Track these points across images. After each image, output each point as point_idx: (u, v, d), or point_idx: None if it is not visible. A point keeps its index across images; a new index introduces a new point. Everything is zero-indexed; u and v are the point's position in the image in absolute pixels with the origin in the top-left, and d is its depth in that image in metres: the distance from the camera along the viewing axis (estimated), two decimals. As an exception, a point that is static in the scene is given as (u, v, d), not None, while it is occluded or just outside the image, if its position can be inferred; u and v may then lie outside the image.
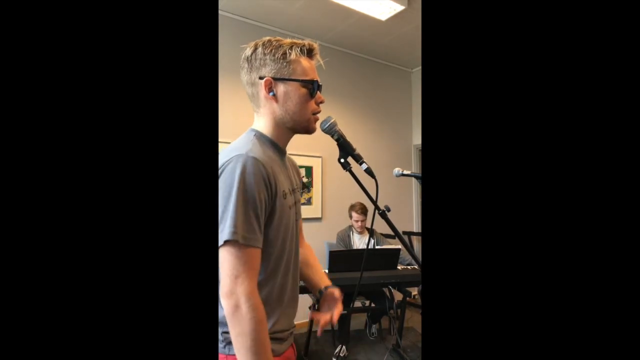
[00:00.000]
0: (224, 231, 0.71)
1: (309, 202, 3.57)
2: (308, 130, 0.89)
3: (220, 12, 3.15)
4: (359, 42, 3.75)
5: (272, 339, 0.79)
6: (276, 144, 0.87)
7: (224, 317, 0.75)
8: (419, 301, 3.93)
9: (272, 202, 0.79)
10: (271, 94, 0.83)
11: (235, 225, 0.71)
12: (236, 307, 0.70)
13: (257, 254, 0.75)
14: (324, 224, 3.64)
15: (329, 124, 0.93)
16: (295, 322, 0.93)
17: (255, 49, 0.85)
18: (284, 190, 0.83)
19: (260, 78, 0.84)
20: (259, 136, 0.85)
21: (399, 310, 2.87)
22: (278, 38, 0.86)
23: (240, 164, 0.74)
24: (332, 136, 0.94)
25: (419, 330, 3.29)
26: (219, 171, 0.76)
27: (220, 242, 0.71)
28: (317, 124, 0.92)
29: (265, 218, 0.78)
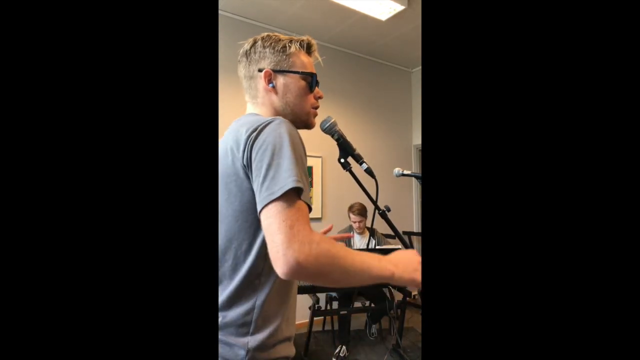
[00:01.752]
0: (281, 182, 0.63)
1: (309, 202, 3.56)
2: (307, 124, 0.88)
3: (220, 12, 3.15)
4: (359, 42, 3.75)
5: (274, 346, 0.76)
6: None
7: (230, 320, 0.71)
8: (419, 301, 3.93)
9: None
10: (270, 85, 0.83)
11: (296, 174, 0.63)
12: (305, 255, 0.58)
13: (309, 216, 0.65)
14: (324, 224, 3.64)
15: (329, 124, 0.94)
16: (295, 322, 0.93)
17: (254, 43, 0.85)
18: None
19: (259, 70, 0.83)
20: None
21: (399, 311, 2.87)
22: (276, 33, 0.87)
23: (285, 124, 0.70)
24: (332, 136, 0.94)
25: (419, 330, 3.29)
26: (252, 132, 0.69)
27: (276, 194, 0.62)
28: (317, 124, 0.92)
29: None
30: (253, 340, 0.72)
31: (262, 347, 0.72)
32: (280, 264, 0.59)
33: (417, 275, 0.72)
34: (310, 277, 0.61)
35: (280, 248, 0.59)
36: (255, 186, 0.67)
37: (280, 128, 0.69)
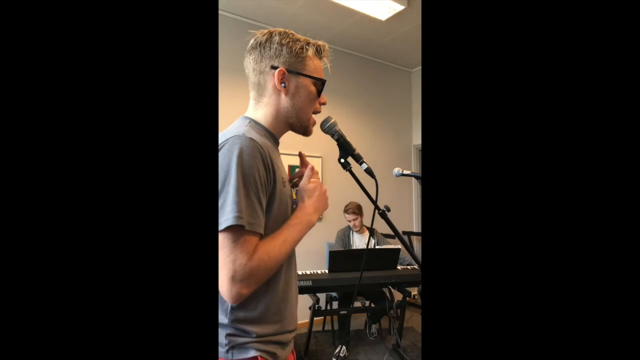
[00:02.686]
0: (225, 216, 0.67)
1: (308, 202, 3.56)
2: (306, 130, 0.88)
3: (220, 12, 3.15)
4: (359, 42, 3.75)
5: (275, 342, 0.77)
6: (272, 134, 0.84)
7: (227, 320, 0.73)
8: (419, 301, 3.93)
9: (272, 187, 0.75)
10: (283, 85, 0.81)
11: (239, 210, 0.67)
12: (246, 286, 0.68)
13: (255, 241, 0.70)
14: (324, 224, 3.64)
15: (329, 124, 0.93)
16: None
17: (271, 36, 0.82)
18: (282, 178, 0.79)
19: (273, 67, 0.81)
20: (254, 124, 0.82)
21: (399, 310, 2.87)
22: (293, 32, 0.85)
23: (237, 145, 0.70)
24: (332, 136, 0.94)
25: (419, 330, 3.29)
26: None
27: (221, 228, 0.67)
28: (317, 125, 0.92)
29: (266, 202, 0.73)
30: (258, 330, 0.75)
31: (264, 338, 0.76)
32: (227, 297, 0.68)
33: (325, 205, 0.88)
34: (251, 291, 0.70)
35: (225, 283, 0.67)
36: None
37: (232, 152, 0.70)
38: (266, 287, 0.75)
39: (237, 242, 0.67)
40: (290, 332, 0.82)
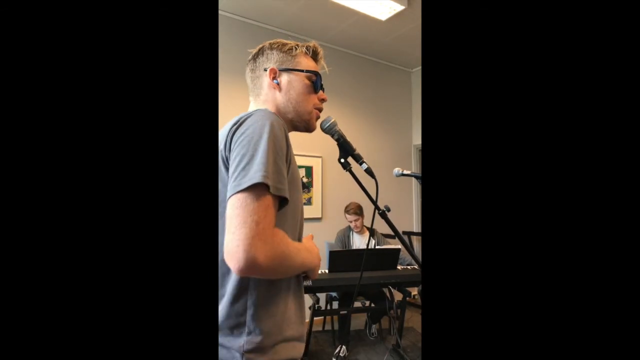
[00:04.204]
0: (250, 174, 0.62)
1: (309, 202, 3.57)
2: (308, 125, 0.87)
3: (220, 12, 3.15)
4: (359, 42, 3.75)
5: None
6: None
7: (223, 321, 0.70)
8: (419, 301, 3.93)
9: (289, 163, 0.72)
10: (275, 81, 0.84)
11: (266, 170, 0.62)
12: (264, 255, 0.59)
13: (275, 206, 0.65)
14: (324, 223, 3.64)
15: (329, 123, 0.94)
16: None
17: (262, 47, 0.89)
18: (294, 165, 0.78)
19: (265, 70, 0.86)
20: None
21: (399, 310, 2.87)
22: (282, 39, 0.90)
23: (268, 116, 0.69)
24: (332, 136, 0.94)
25: (419, 330, 3.29)
26: (234, 125, 0.70)
27: (243, 186, 0.61)
28: (317, 124, 0.92)
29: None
30: (249, 342, 0.69)
31: (259, 349, 0.70)
32: (237, 258, 0.58)
33: (319, 263, 0.84)
34: (259, 275, 0.64)
35: (243, 242, 0.58)
36: (229, 175, 0.66)
37: (263, 119, 0.68)
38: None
39: (261, 202, 0.61)
40: (301, 337, 0.83)
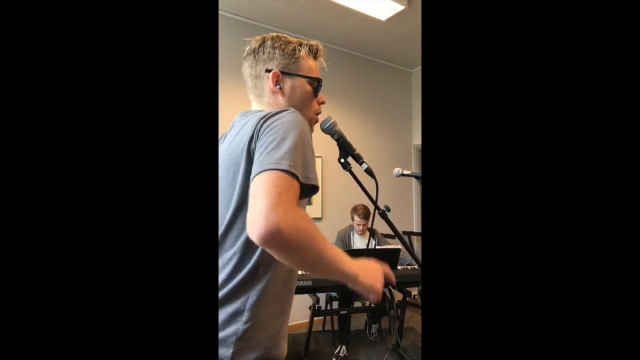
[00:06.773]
0: (277, 159, 0.61)
1: (309, 202, 3.57)
2: None
3: (220, 12, 3.16)
4: (359, 42, 3.75)
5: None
6: None
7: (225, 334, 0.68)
8: (419, 301, 3.93)
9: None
10: (278, 87, 0.83)
11: (293, 160, 0.62)
12: (287, 223, 0.55)
13: (298, 188, 0.63)
14: (324, 223, 3.64)
15: (329, 124, 0.94)
16: (295, 322, 0.92)
17: (263, 42, 0.85)
18: None
19: (267, 71, 0.83)
20: None
21: (399, 310, 2.87)
22: (285, 35, 0.87)
23: (299, 116, 0.70)
24: (332, 136, 0.94)
25: (419, 330, 3.29)
26: (264, 117, 0.70)
27: (269, 167, 0.60)
28: (317, 124, 0.92)
29: None
30: (241, 334, 0.69)
31: (249, 340, 0.69)
32: (259, 226, 0.55)
33: (377, 284, 0.73)
34: (284, 249, 0.58)
35: (264, 209, 0.55)
36: (254, 159, 0.66)
37: (295, 118, 0.69)
38: (266, 270, 0.71)
39: (285, 179, 0.60)
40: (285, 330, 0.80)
